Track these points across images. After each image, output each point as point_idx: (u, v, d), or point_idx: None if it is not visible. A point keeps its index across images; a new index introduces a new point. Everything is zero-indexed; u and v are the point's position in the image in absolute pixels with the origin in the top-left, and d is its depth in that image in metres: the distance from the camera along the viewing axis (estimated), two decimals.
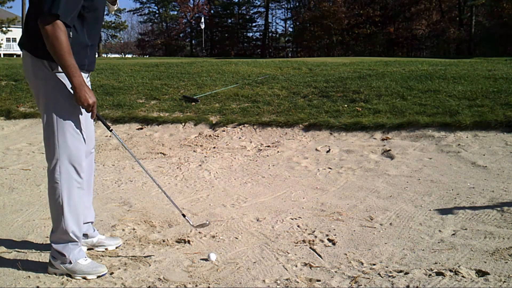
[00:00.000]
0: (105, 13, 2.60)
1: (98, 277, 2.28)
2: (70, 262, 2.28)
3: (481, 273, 2.27)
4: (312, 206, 3.38)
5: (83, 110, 2.29)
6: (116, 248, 2.65)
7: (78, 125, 2.25)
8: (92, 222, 2.61)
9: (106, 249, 2.61)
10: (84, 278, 2.27)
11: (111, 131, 2.46)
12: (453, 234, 2.78)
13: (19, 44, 2.29)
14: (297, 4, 49.27)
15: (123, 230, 2.94)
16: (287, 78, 8.26)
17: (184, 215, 2.59)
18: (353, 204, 3.40)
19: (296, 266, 2.40)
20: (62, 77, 2.18)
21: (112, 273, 2.32)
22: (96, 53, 2.39)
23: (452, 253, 2.50)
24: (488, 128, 5.26)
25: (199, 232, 2.89)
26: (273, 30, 56.27)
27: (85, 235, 2.56)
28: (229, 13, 49.70)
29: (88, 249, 2.59)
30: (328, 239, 2.75)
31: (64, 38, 2.06)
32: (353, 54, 36.08)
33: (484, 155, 4.61)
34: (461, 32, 37.10)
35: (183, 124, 6.31)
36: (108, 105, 7.09)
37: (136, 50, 54.55)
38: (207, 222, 2.66)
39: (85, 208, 2.53)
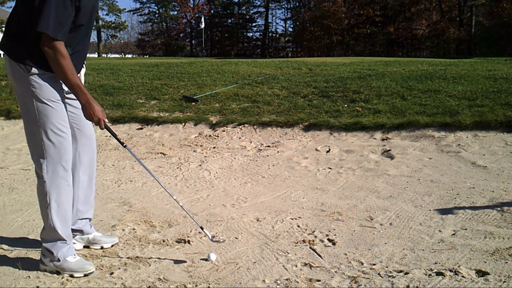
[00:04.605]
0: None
1: (85, 275, 2.29)
2: (59, 260, 2.31)
3: (481, 273, 2.27)
4: (312, 206, 3.38)
5: (74, 109, 2.40)
6: (112, 246, 2.65)
7: (60, 123, 2.27)
8: (89, 219, 2.63)
9: (101, 247, 2.62)
10: (71, 276, 2.29)
11: (125, 146, 2.52)
12: (453, 234, 2.78)
13: (0, 46, 2.32)
14: (297, 4, 49.22)
15: (123, 230, 2.94)
16: (287, 78, 8.26)
17: (202, 228, 2.60)
18: (353, 204, 3.41)
19: (296, 266, 2.40)
20: (39, 78, 2.23)
21: (112, 273, 2.32)
22: (83, 58, 2.47)
23: (452, 253, 2.50)
24: (488, 128, 5.27)
25: (199, 232, 2.89)
26: (273, 30, 56.15)
27: (81, 231, 2.59)
28: (229, 13, 49.62)
29: (84, 247, 2.61)
30: (328, 239, 2.75)
31: (65, 61, 2.16)
32: (353, 54, 36.04)
33: (484, 155, 4.61)
34: (461, 32, 37.05)
35: (183, 124, 6.31)
36: (108, 105, 7.08)
37: (136, 50, 54.46)
38: (222, 240, 2.66)
39: (84, 204, 2.55)
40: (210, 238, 2.57)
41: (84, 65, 2.59)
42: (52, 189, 2.27)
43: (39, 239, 2.42)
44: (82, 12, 2.23)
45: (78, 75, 2.45)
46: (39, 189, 2.30)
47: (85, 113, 2.29)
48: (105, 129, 2.38)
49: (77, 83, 2.21)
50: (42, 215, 2.33)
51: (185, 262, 2.46)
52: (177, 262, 2.46)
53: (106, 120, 2.35)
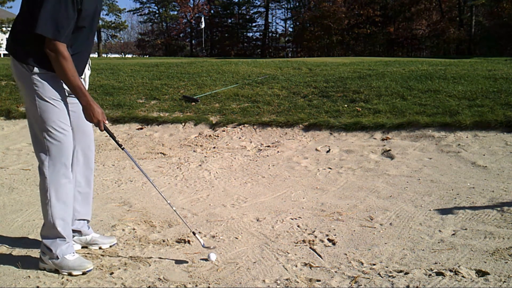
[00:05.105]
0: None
1: (84, 273, 2.30)
2: (57, 258, 2.32)
3: (481, 273, 2.27)
4: (312, 206, 3.38)
5: (74, 109, 2.40)
6: (110, 247, 2.66)
7: (62, 121, 2.30)
8: (88, 221, 2.64)
9: (100, 247, 2.63)
10: (70, 274, 2.29)
11: (123, 149, 2.53)
12: (453, 234, 2.78)
13: (5, 46, 2.37)
14: (297, 4, 49.19)
15: (123, 230, 2.94)
16: (287, 78, 8.26)
17: (194, 233, 2.59)
18: (353, 204, 3.40)
19: (296, 266, 2.40)
20: (41, 77, 2.26)
21: (112, 273, 2.32)
22: (85, 60, 2.50)
23: (452, 253, 2.50)
24: (488, 128, 5.27)
25: (199, 232, 2.89)
26: (273, 30, 56.10)
27: (79, 232, 2.59)
28: (229, 13, 49.58)
29: (82, 247, 2.61)
30: (328, 239, 2.75)
31: (66, 63, 2.19)
32: (353, 54, 36.02)
33: (484, 155, 4.61)
34: (461, 32, 37.03)
35: (183, 124, 6.32)
36: (108, 105, 7.09)
37: (136, 50, 54.41)
38: (213, 247, 2.63)
39: (82, 205, 2.56)
40: (202, 244, 2.55)
41: (89, 67, 2.61)
42: (52, 185, 2.29)
43: (39, 239, 2.42)
44: (84, 15, 2.25)
45: (83, 76, 2.48)
46: (40, 185, 2.33)
47: (85, 115, 2.31)
48: (104, 131, 2.39)
49: (78, 85, 2.24)
50: (43, 211, 2.35)
51: (185, 262, 2.46)
52: (177, 262, 2.46)
53: (106, 122, 2.36)
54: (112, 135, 2.50)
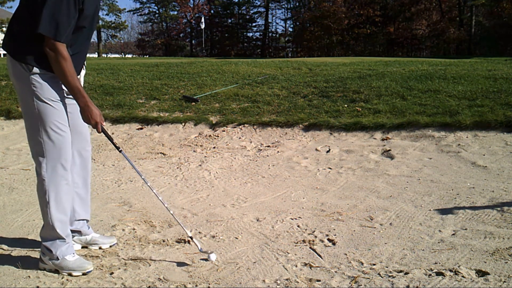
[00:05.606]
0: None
1: (84, 274, 2.30)
2: (57, 258, 2.32)
3: (481, 273, 2.27)
4: (312, 206, 3.38)
5: (71, 110, 2.39)
6: (110, 247, 2.65)
7: (60, 122, 2.28)
8: (87, 220, 2.64)
9: (100, 247, 2.63)
10: (70, 274, 2.30)
11: (120, 151, 2.52)
12: (453, 234, 2.78)
13: (2, 45, 2.35)
14: (297, 4, 49.22)
15: (123, 230, 2.94)
16: (287, 78, 8.26)
17: (191, 238, 2.57)
18: (353, 204, 3.40)
19: (296, 266, 2.40)
20: (40, 77, 2.24)
21: (112, 273, 2.32)
22: (83, 60, 2.49)
23: (452, 253, 2.50)
24: (488, 128, 5.27)
25: (199, 232, 2.89)
26: (273, 30, 56.15)
27: (79, 232, 2.59)
28: (229, 13, 49.61)
29: (82, 247, 2.61)
30: (328, 239, 2.75)
31: (66, 64, 2.17)
32: (353, 54, 36.03)
33: (484, 155, 4.61)
34: (461, 32, 37.06)
35: (183, 124, 6.32)
36: (108, 105, 7.09)
37: (136, 50, 54.42)
38: (210, 252, 2.60)
39: (81, 205, 2.56)
40: (199, 248, 2.53)
41: (84, 67, 2.60)
42: (51, 187, 2.28)
43: (39, 239, 2.43)
44: (85, 14, 2.24)
45: (78, 76, 2.47)
46: (38, 187, 2.32)
47: (83, 116, 2.30)
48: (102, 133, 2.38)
49: (77, 86, 2.23)
50: (42, 213, 2.35)
51: (185, 262, 2.46)
52: (177, 262, 2.46)
53: (104, 124, 2.36)
54: (109, 137, 2.50)
